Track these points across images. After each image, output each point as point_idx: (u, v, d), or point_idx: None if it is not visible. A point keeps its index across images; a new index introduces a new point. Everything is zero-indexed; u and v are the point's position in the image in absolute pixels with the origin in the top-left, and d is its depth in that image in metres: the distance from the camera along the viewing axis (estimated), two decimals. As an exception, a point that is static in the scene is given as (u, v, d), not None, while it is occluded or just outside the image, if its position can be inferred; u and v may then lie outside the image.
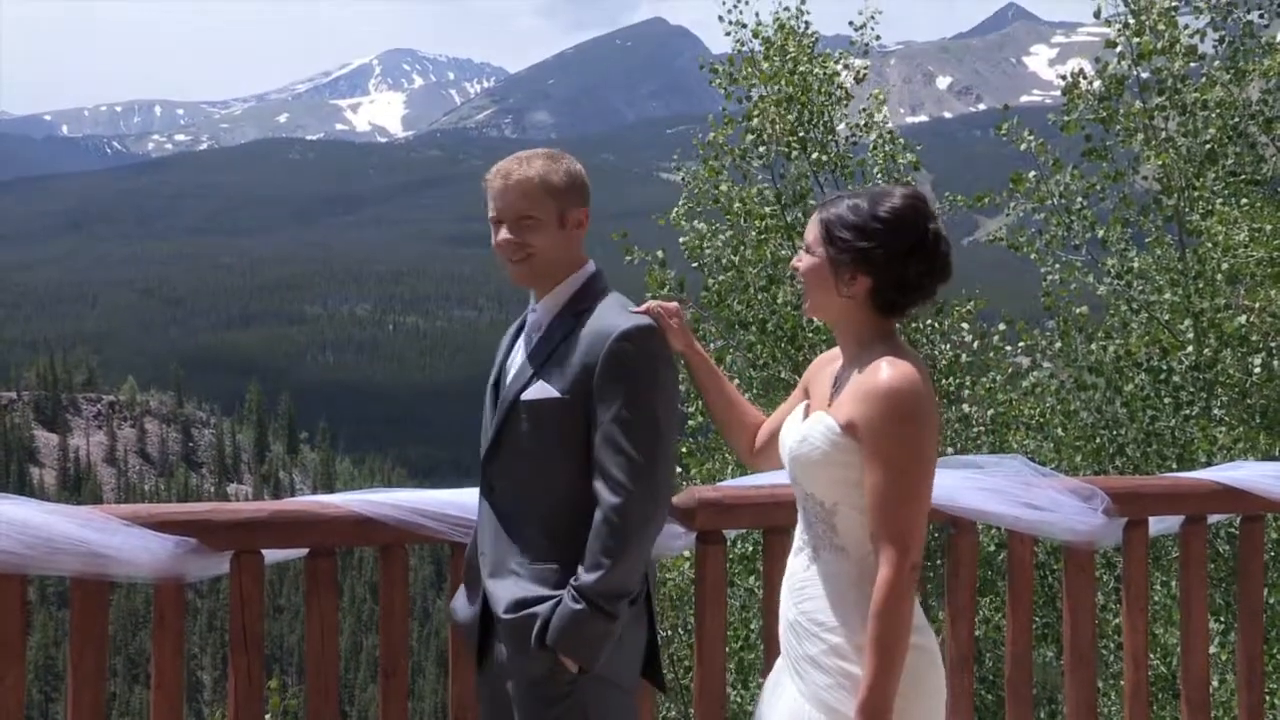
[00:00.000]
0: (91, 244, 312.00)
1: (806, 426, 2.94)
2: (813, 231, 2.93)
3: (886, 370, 2.77)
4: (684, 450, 11.73)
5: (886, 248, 2.83)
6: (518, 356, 3.08)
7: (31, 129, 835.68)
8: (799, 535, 3.02)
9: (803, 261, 2.94)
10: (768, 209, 11.82)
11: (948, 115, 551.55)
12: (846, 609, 2.85)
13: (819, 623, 2.88)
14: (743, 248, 11.63)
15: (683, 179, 12.52)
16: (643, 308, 3.09)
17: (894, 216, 2.83)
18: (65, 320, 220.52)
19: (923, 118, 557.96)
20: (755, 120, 11.90)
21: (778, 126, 11.78)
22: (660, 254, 12.10)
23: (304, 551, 3.42)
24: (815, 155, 11.74)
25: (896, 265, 2.84)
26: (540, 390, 2.98)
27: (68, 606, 3.34)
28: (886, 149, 11.85)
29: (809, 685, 2.88)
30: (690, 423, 11.43)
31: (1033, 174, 10.72)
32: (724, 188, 12.01)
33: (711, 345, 11.63)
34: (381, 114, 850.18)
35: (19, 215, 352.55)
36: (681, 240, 12.08)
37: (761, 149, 11.96)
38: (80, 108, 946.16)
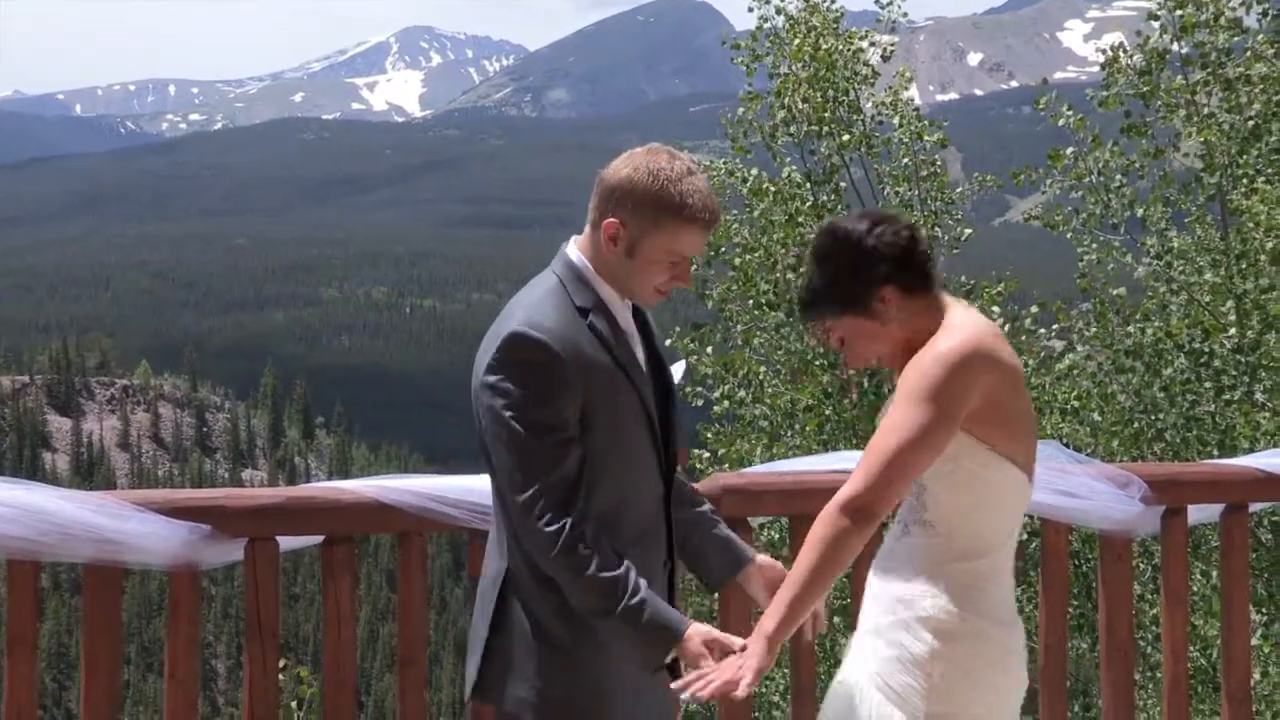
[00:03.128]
0: (104, 225, 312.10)
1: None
2: (816, 330, 2.98)
3: (942, 341, 2.80)
4: (709, 435, 11.61)
5: (861, 251, 2.84)
6: (639, 348, 2.98)
7: (44, 108, 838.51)
8: (899, 511, 3.01)
9: (847, 349, 2.96)
10: (798, 190, 11.67)
11: (979, 92, 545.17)
12: (921, 584, 2.85)
13: (893, 595, 2.90)
14: (771, 228, 11.48)
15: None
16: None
17: (833, 235, 2.88)
18: (78, 303, 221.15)
19: (953, 95, 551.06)
20: (785, 98, 11.74)
21: (807, 105, 11.62)
22: None
23: (320, 539, 3.39)
24: (844, 136, 11.57)
25: (880, 250, 2.84)
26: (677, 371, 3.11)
27: (80, 593, 3.29)
28: (913, 128, 11.69)
29: (869, 655, 2.88)
30: (716, 408, 11.31)
31: (1070, 150, 10.56)
32: (754, 170, 11.86)
33: (738, 327, 11.49)
34: (399, 93, 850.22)
35: (31, 196, 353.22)
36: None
37: (792, 127, 11.81)
38: (93, 87, 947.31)
